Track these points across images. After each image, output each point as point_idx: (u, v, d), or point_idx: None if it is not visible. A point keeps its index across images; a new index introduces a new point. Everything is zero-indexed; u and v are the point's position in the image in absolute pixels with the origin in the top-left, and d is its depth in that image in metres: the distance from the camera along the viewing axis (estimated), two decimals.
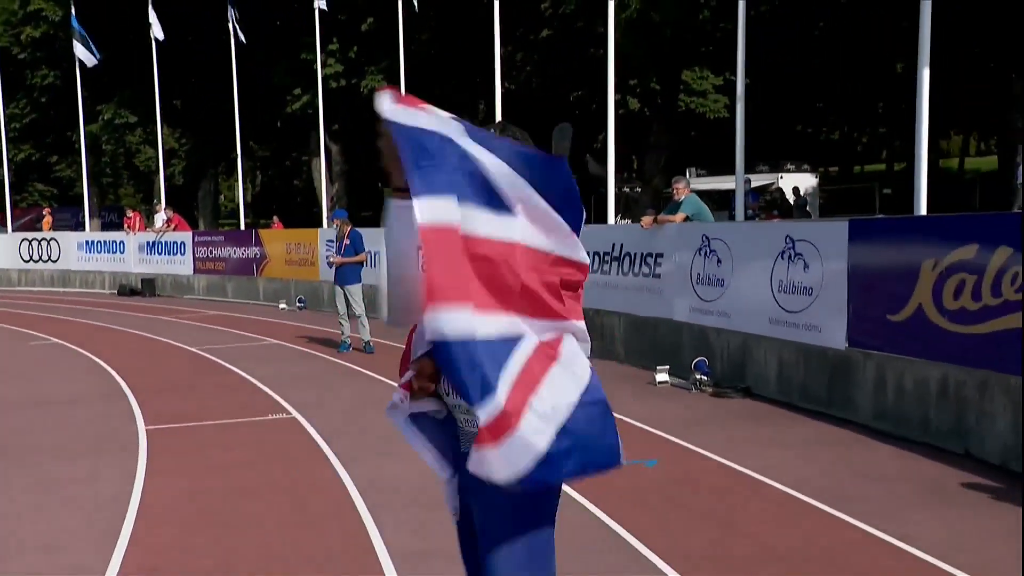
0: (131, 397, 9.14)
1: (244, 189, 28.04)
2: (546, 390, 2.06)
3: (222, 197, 58.48)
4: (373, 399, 8.49)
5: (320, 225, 23.37)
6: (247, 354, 11.80)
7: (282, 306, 18.33)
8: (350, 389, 9.13)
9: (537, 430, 2.04)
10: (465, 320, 1.97)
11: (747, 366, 8.65)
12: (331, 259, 11.97)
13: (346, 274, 11.91)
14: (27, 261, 26.80)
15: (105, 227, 39.65)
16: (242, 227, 23.71)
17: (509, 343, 2.04)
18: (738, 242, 8.87)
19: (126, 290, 23.06)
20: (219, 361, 11.49)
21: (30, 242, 26.87)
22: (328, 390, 9.08)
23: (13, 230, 30.56)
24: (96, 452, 6.93)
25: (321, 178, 24.52)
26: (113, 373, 10.75)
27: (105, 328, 15.88)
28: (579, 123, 31.51)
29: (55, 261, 26.30)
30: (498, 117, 15.51)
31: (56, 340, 14.27)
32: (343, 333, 11.92)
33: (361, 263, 11.96)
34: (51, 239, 26.68)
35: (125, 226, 25.11)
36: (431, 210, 1.97)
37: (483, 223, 2.02)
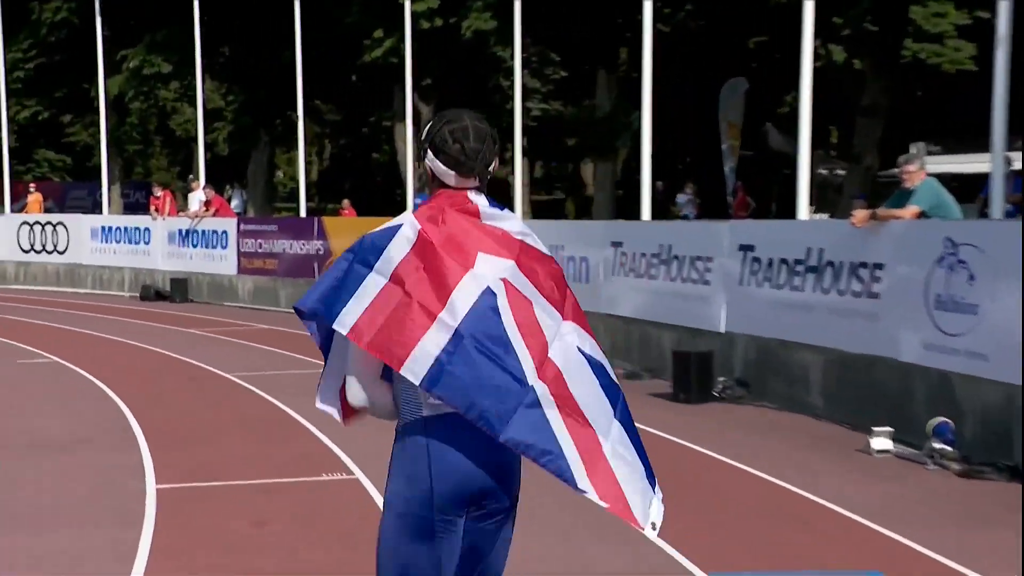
0: (142, 441, 9.22)
1: (307, 163, 28.31)
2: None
3: (279, 174, 59.67)
4: None
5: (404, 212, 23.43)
6: (301, 386, 11.80)
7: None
8: None
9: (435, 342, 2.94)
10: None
11: (1014, 432, 8.33)
12: None
13: None
14: (27, 251, 27.58)
15: (129, 209, 40.76)
16: (302, 213, 23.92)
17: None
18: (998, 250, 8.55)
19: (150, 293, 23.46)
20: (263, 395, 11.53)
21: (31, 227, 27.70)
22: None
23: (13, 210, 31.62)
24: (87, 518, 6.88)
25: (407, 149, 24.53)
26: (122, 406, 10.85)
27: (119, 343, 16.12)
28: (758, 79, 30.79)
29: (62, 252, 27.02)
30: (646, 71, 15.07)
31: (53, 358, 14.52)
32: None
33: None
34: (57, 224, 27.42)
35: (151, 208, 25.56)
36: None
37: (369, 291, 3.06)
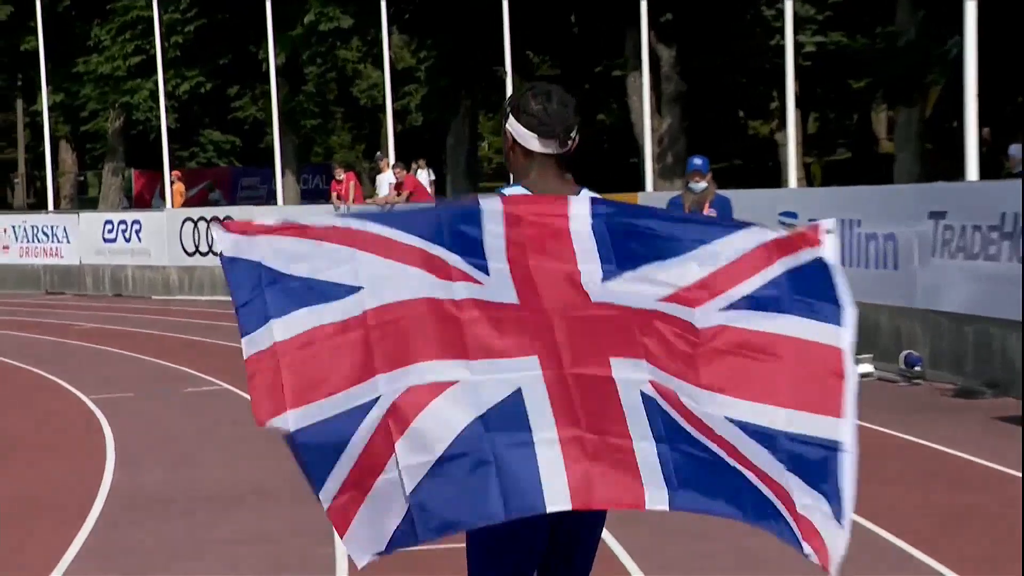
0: None
1: None
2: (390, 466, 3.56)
3: (483, 146, 59.67)
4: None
5: (641, 186, 22.80)
6: None
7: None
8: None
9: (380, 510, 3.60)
10: (283, 421, 3.59)
11: None
12: None
13: None
14: (191, 254, 27.93)
15: (307, 197, 41.26)
16: None
17: (353, 417, 3.57)
18: None
19: None
20: None
21: (195, 224, 28.06)
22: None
23: (175, 204, 32.25)
24: None
25: (643, 106, 23.68)
26: None
27: None
28: None
29: None
30: None
31: (224, 385, 14.57)
32: None
33: None
34: (224, 218, 27.57)
35: (333, 195, 25.52)
36: (246, 346, 3.62)
37: (329, 313, 3.59)
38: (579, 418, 3.51)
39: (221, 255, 3.66)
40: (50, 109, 35.34)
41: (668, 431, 3.49)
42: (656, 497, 3.49)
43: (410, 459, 3.52)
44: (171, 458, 10.84)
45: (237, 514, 8.80)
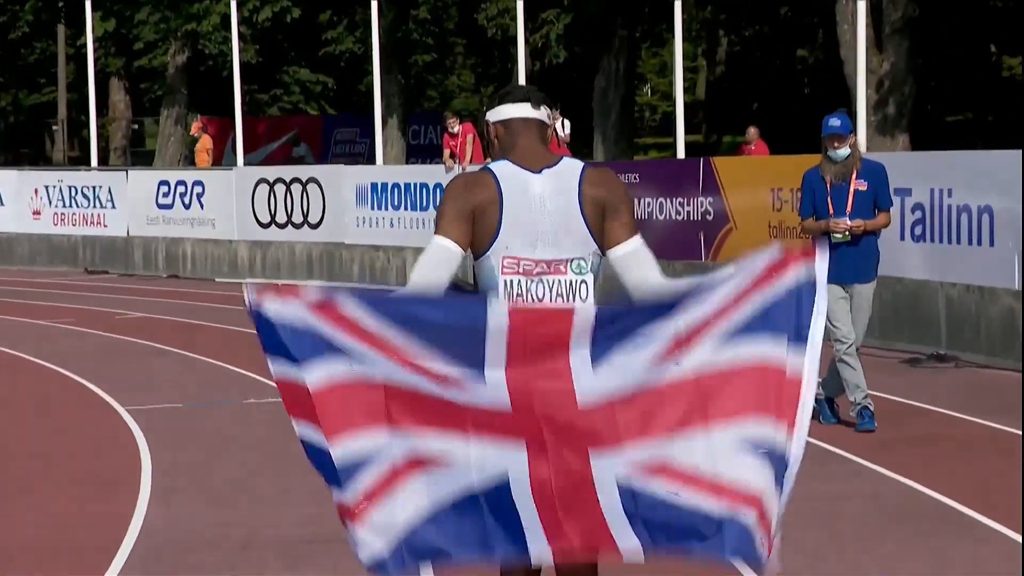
0: None
1: (687, 72, 27.69)
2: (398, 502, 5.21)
3: (644, 90, 59.41)
4: None
5: None
6: None
7: None
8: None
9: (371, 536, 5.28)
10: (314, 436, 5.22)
11: None
12: (836, 225, 12.77)
13: (856, 257, 12.76)
14: (266, 225, 28.15)
15: (414, 154, 41.43)
16: (679, 154, 23.63)
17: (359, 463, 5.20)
18: None
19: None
20: None
21: (272, 187, 28.31)
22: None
23: (249, 162, 32.54)
24: None
25: (856, 39, 23.35)
26: None
27: None
28: None
29: (314, 226, 27.65)
30: None
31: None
32: (851, 392, 12.73)
33: (881, 227, 13.08)
34: (308, 181, 27.81)
35: (445, 152, 25.64)
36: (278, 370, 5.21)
37: (352, 373, 5.15)
38: (556, 509, 5.05)
39: (249, 308, 5.10)
40: (98, 40, 35.83)
41: (638, 507, 5.03)
42: (630, 552, 5.05)
43: (407, 503, 5.17)
44: (220, 491, 10.91)
45: (300, 567, 8.90)
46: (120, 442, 12.70)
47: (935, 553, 8.86)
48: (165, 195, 30.13)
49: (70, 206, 31.93)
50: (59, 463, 12.06)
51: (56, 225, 32.27)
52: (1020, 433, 11.71)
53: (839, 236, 12.53)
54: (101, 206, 31.24)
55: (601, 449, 5.04)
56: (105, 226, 31.23)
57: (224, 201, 29.08)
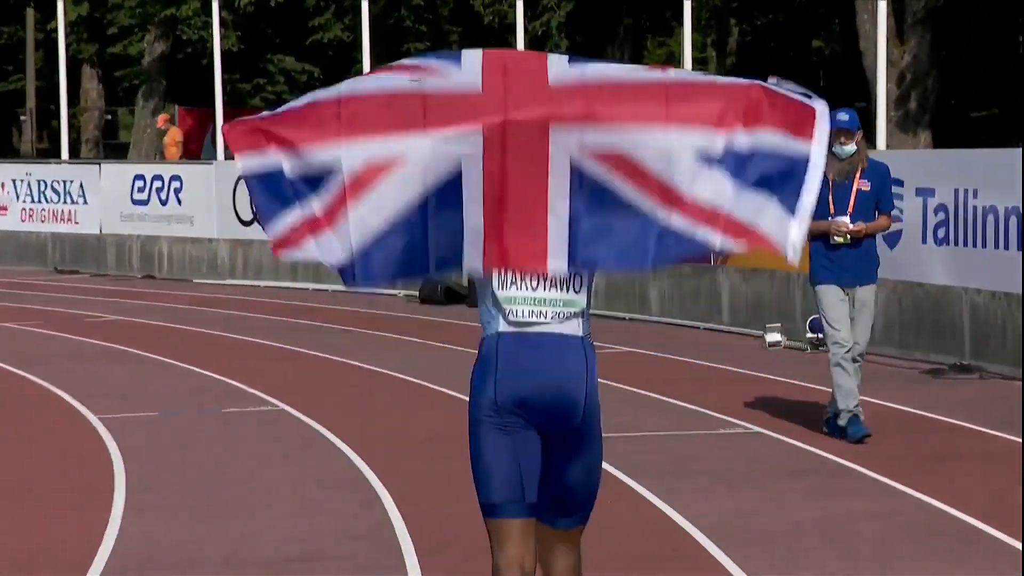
0: (408, 548, 9.45)
1: (696, 62, 27.71)
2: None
3: None
4: None
5: (871, 141, 22.41)
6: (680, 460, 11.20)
7: (776, 338, 18.93)
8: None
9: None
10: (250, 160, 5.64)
11: None
12: (839, 227, 13.00)
13: (856, 258, 12.95)
14: (248, 223, 28.00)
15: None
16: None
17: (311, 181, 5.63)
18: None
19: (436, 292, 23.94)
20: None
21: None
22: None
23: (230, 156, 32.41)
24: None
25: (879, 28, 23.29)
26: (385, 500, 10.92)
27: (391, 381, 16.67)
28: None
29: None
30: None
31: (279, 404, 14.76)
32: (842, 399, 12.85)
33: (881, 231, 13.43)
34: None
35: None
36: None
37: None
38: (506, 203, 5.54)
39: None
40: (70, 24, 35.77)
41: (586, 205, 5.59)
42: (556, 265, 5.63)
43: (359, 223, 5.55)
44: (199, 505, 10.91)
45: None
46: (91, 453, 12.70)
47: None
48: (140, 190, 30.09)
49: (39, 201, 31.86)
50: (26, 476, 12.05)
51: (24, 222, 32.20)
52: None
53: (840, 238, 12.76)
54: (72, 201, 31.16)
55: (561, 124, 5.51)
56: (76, 223, 31.17)
57: (203, 197, 29.00)
